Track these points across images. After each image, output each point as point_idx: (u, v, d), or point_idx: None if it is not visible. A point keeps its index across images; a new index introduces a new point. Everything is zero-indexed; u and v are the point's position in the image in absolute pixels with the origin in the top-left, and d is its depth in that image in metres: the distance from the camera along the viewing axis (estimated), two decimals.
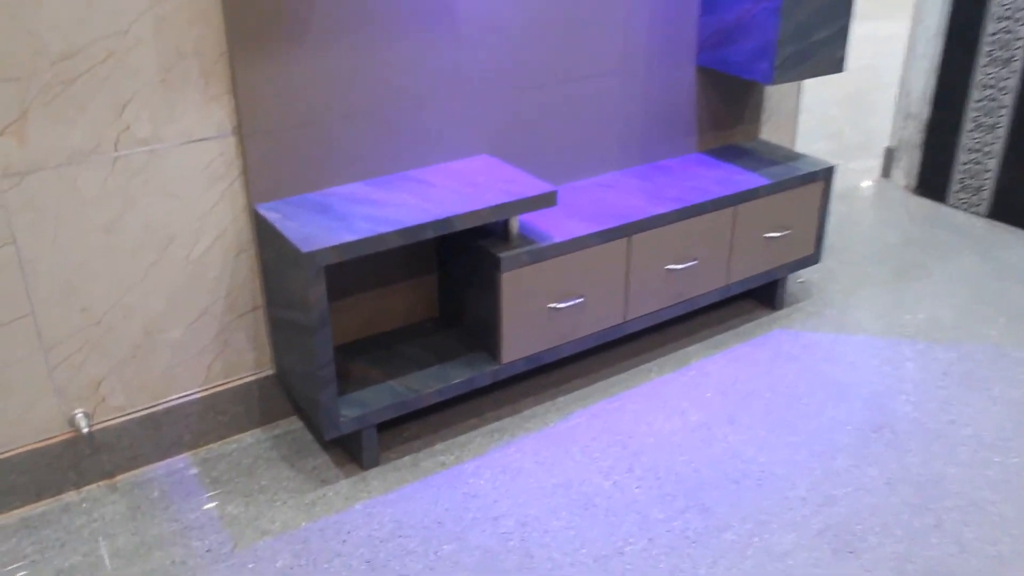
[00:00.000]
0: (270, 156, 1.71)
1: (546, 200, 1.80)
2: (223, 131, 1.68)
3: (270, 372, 1.91)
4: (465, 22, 1.85)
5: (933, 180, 3.09)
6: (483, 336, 1.92)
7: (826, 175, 2.28)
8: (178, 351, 1.79)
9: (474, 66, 1.90)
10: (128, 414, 1.78)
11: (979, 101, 2.87)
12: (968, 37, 2.85)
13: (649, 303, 2.08)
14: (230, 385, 1.87)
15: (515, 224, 1.84)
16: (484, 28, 1.88)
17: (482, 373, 1.87)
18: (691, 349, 2.24)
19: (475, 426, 1.95)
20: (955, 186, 3.02)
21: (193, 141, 1.66)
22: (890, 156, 3.26)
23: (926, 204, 3.08)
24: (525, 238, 1.86)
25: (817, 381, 2.10)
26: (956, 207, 3.03)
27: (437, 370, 1.87)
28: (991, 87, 2.83)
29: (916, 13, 3.01)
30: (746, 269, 2.24)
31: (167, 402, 1.81)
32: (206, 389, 1.85)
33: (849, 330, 2.32)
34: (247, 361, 1.87)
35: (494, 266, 1.80)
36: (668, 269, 2.07)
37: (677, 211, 2.02)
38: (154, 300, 1.72)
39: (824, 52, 2.12)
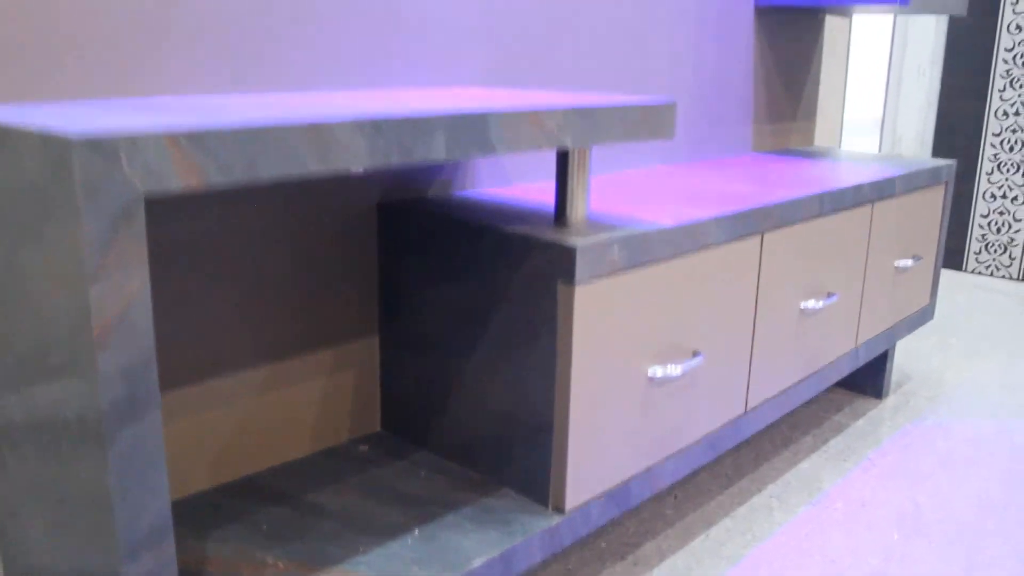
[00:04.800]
0: None
1: (664, 120, 0.80)
2: None
3: None
4: None
5: None
6: (503, 453, 0.84)
7: (949, 174, 1.46)
8: None
9: None
10: None
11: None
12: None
13: (777, 377, 1.10)
14: None
15: (581, 192, 0.82)
16: None
17: (525, 540, 0.77)
18: (806, 466, 1.27)
19: None
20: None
21: None
22: None
23: None
24: (596, 224, 0.85)
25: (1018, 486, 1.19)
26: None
27: (415, 546, 0.76)
28: None
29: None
30: (874, 323, 1.33)
31: None
32: None
33: (1002, 414, 1.45)
34: None
35: (558, 268, 0.76)
36: (803, 309, 1.12)
37: (819, 197, 1.09)
38: None
39: None
